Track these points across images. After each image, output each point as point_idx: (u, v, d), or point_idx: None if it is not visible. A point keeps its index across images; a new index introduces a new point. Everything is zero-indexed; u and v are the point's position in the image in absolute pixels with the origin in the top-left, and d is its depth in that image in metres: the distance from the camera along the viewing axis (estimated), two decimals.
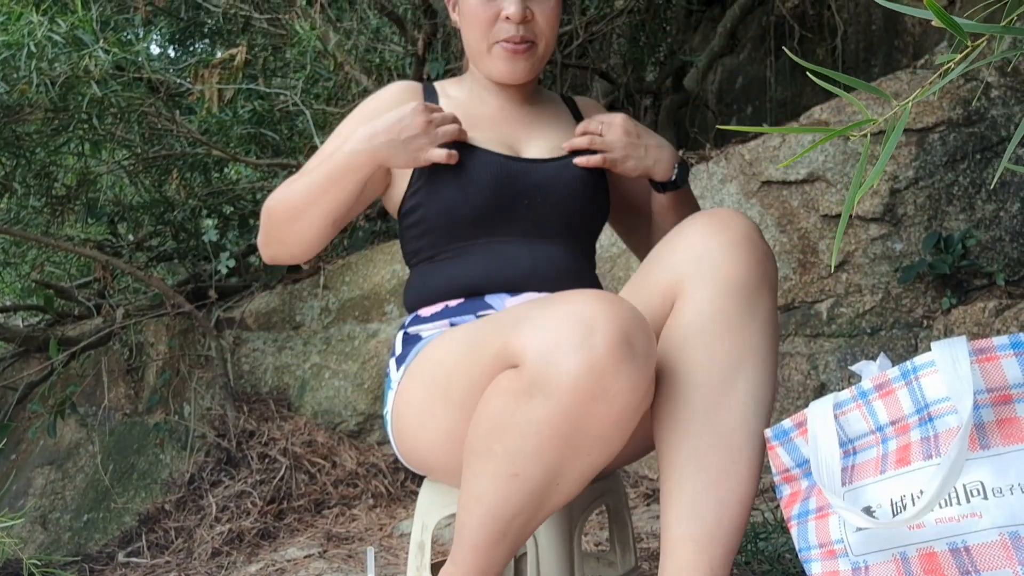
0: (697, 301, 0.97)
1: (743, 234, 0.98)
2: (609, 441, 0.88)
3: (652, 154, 1.19)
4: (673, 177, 1.21)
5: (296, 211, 1.18)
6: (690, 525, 0.92)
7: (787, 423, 0.90)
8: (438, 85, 1.32)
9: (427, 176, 1.19)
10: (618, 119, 1.21)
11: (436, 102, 1.26)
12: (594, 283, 1.25)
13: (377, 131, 1.13)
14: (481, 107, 1.27)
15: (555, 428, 0.85)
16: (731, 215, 1.00)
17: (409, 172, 1.21)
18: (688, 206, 1.25)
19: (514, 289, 1.16)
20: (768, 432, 0.92)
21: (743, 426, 0.94)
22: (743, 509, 0.94)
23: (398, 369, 1.15)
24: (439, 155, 1.14)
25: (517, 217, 1.18)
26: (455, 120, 1.18)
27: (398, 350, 1.18)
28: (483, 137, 1.22)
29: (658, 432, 0.97)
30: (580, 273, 1.21)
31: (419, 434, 1.09)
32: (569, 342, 0.83)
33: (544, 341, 0.84)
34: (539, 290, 1.16)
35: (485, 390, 0.93)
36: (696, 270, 0.98)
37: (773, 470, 0.92)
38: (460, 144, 1.19)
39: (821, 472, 0.84)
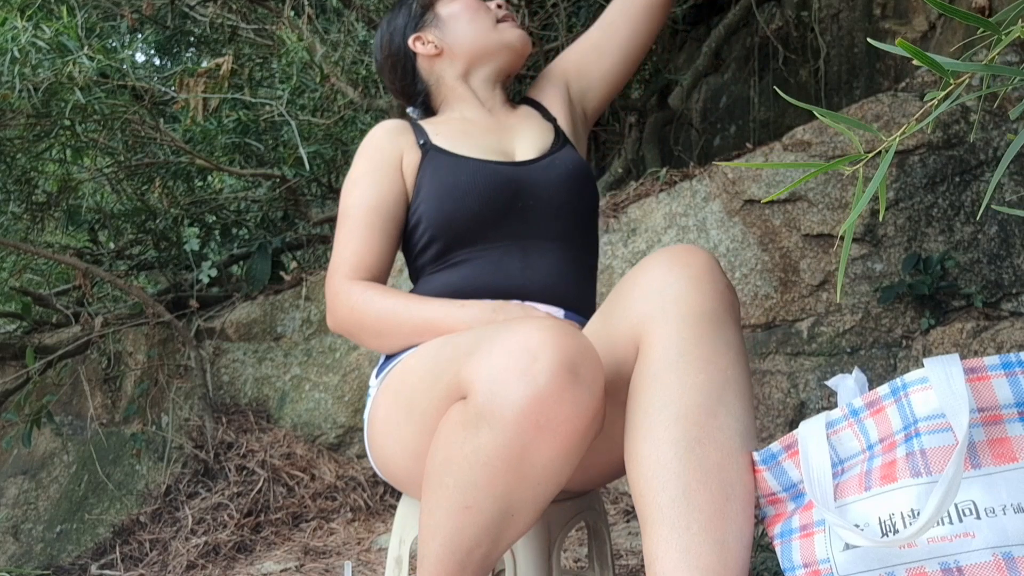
0: (666, 335, 0.90)
1: (704, 268, 0.94)
2: (558, 470, 0.87)
3: None
4: None
5: (381, 335, 1.17)
6: (690, 575, 0.81)
7: (775, 446, 0.87)
8: (423, 123, 1.34)
9: (426, 190, 1.23)
10: None
11: (425, 136, 1.29)
12: (582, 290, 1.25)
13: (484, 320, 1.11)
14: (467, 124, 1.33)
15: (503, 459, 0.84)
16: (689, 250, 0.96)
17: (411, 192, 1.26)
18: None
19: (503, 297, 1.19)
20: (756, 455, 0.88)
21: (732, 461, 0.86)
22: (745, 552, 0.84)
23: (377, 377, 1.19)
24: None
25: (513, 220, 1.22)
26: None
27: (381, 359, 1.21)
28: (475, 147, 1.27)
29: (637, 472, 0.88)
30: (569, 281, 1.22)
31: (386, 444, 1.11)
32: (513, 372, 0.82)
33: (489, 372, 0.84)
34: (525, 299, 1.19)
35: (442, 416, 0.93)
36: (660, 306, 0.92)
37: (759, 493, 0.89)
38: (454, 156, 1.24)
39: (815, 490, 0.82)
